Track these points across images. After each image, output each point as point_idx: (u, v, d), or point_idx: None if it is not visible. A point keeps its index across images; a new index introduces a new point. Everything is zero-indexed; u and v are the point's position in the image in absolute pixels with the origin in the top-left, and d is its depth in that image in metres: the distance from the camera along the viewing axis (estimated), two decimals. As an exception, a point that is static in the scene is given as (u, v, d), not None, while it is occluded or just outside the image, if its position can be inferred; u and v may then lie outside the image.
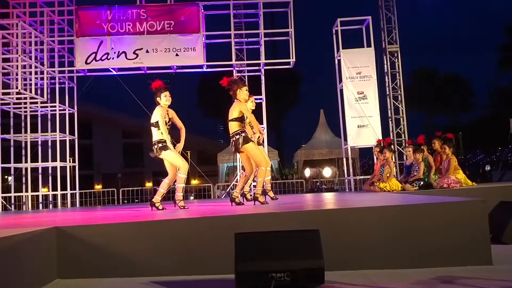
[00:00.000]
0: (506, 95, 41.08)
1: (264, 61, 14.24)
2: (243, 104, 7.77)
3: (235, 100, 7.84)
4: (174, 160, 7.73)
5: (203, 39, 13.63)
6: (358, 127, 14.23)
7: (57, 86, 13.78)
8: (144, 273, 5.09)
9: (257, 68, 14.83)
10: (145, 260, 5.16)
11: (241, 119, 7.61)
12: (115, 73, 14.08)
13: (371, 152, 14.48)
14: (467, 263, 5.18)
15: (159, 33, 13.55)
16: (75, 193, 14.83)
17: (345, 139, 14.67)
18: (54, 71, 13.69)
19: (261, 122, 14.61)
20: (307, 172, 20.63)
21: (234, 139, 7.58)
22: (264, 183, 8.59)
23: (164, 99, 7.73)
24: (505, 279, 4.58)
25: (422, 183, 10.43)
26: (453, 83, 45.07)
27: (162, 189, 7.97)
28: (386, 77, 15.95)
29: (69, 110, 14.16)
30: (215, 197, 17.79)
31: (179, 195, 7.89)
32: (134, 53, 13.47)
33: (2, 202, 13.75)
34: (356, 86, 14.26)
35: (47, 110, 14.02)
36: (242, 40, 14.87)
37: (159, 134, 7.67)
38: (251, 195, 8.37)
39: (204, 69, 14.18)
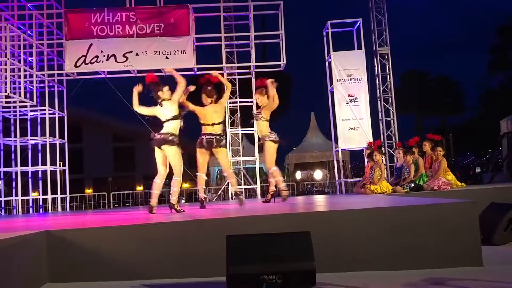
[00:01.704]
0: (497, 97, 41.25)
1: (255, 64, 14.22)
2: None
3: (219, 101, 7.90)
4: (176, 159, 7.49)
5: (193, 42, 13.60)
6: (349, 129, 14.24)
7: (46, 89, 13.71)
8: (135, 277, 5.08)
9: (247, 70, 14.80)
10: (136, 263, 5.14)
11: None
12: (104, 76, 14.02)
13: (362, 155, 14.50)
14: (458, 264, 5.19)
15: (149, 36, 13.50)
16: (66, 197, 14.73)
17: (336, 142, 14.68)
18: (43, 75, 13.61)
19: (251, 125, 14.64)
20: (298, 175, 20.67)
21: (219, 137, 7.58)
22: (277, 183, 8.67)
23: (163, 94, 7.51)
24: (496, 280, 4.59)
25: (412, 185, 10.45)
26: (443, 85, 45.24)
27: (156, 190, 7.68)
28: (377, 79, 15.96)
29: (58, 113, 14.11)
30: (206, 201, 17.73)
31: (174, 199, 7.60)
32: (123, 56, 13.41)
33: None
34: (346, 88, 14.28)
35: (37, 114, 13.96)
36: (233, 43, 14.85)
37: (172, 127, 7.50)
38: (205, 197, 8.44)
39: (195, 72, 14.13)
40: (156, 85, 7.53)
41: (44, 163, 13.70)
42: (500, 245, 6.80)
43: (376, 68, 16.03)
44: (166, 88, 7.53)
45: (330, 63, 14.63)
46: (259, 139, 8.98)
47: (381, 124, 15.92)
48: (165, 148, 7.39)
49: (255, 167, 15.02)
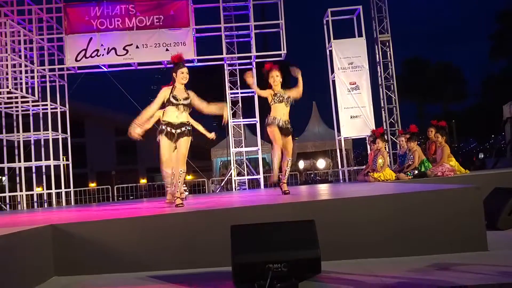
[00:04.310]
0: (498, 83, 41.16)
1: (255, 54, 14.21)
2: None
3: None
4: (186, 151, 7.06)
5: (193, 33, 13.59)
6: (351, 118, 14.20)
7: (47, 84, 13.71)
8: (140, 268, 5.09)
9: (248, 61, 14.78)
10: (141, 255, 5.16)
11: None
12: (105, 69, 14.02)
13: (364, 143, 14.49)
14: (462, 249, 5.19)
15: (149, 28, 13.50)
16: (70, 191, 14.77)
17: (338, 130, 14.65)
18: (44, 70, 13.62)
19: (253, 116, 14.63)
20: (301, 164, 20.68)
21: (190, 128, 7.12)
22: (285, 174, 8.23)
23: (180, 76, 7.04)
24: (501, 264, 4.59)
25: (416, 172, 10.43)
26: (445, 72, 45.19)
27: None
28: (378, 67, 15.92)
29: (60, 108, 14.12)
30: (210, 192, 17.79)
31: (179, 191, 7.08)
32: (124, 49, 13.43)
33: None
34: (348, 76, 14.24)
35: (39, 109, 13.96)
36: (233, 33, 14.81)
37: (185, 115, 7.06)
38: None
39: (195, 64, 14.13)
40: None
41: (47, 158, 13.72)
42: (504, 230, 6.80)
43: (377, 56, 15.98)
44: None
45: (331, 51, 14.58)
46: (285, 127, 8.01)
47: (383, 112, 15.89)
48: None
49: (258, 157, 15.01)
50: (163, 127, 7.01)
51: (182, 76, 7.06)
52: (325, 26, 14.85)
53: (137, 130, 7.07)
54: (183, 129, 6.99)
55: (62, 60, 13.84)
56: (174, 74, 7.10)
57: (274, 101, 8.02)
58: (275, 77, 8.10)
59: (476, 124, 42.71)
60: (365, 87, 14.24)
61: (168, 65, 14.09)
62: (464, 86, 47.69)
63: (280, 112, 8.00)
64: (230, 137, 15.32)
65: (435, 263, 4.76)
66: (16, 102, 13.53)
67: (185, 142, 7.00)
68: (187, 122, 7.06)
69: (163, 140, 7.06)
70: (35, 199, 14.33)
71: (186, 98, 7.02)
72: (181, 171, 6.95)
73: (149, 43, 13.46)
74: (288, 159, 8.10)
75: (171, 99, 6.95)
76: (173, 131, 6.98)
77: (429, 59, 48.44)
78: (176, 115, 6.98)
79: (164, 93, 7.03)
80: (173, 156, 7.30)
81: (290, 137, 8.08)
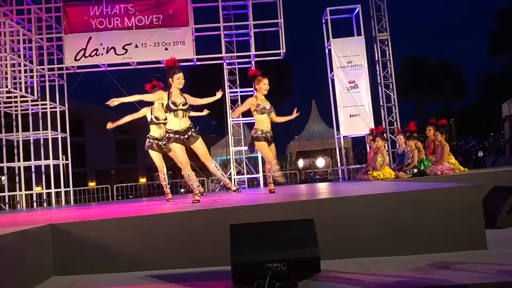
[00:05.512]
0: (497, 81, 41.17)
1: (254, 53, 14.21)
2: None
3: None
4: (206, 148, 7.46)
5: (192, 32, 13.58)
6: (350, 116, 14.22)
7: (47, 83, 13.71)
8: (140, 268, 5.09)
9: (247, 60, 14.78)
10: (141, 254, 5.15)
11: None
12: (104, 69, 14.02)
13: (364, 142, 14.49)
14: (462, 248, 5.19)
15: (148, 28, 13.50)
16: (69, 190, 14.77)
17: (338, 129, 14.66)
18: (43, 69, 13.62)
19: (252, 115, 14.60)
20: (301, 163, 20.71)
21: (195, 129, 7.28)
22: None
23: (177, 81, 7.10)
24: (500, 263, 4.59)
25: (415, 170, 10.43)
26: (444, 71, 45.16)
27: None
28: (377, 65, 15.92)
29: (60, 107, 14.12)
30: (209, 191, 17.78)
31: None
32: (123, 48, 13.43)
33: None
34: (347, 75, 14.25)
35: (38, 108, 13.96)
36: (232, 32, 14.82)
37: (186, 119, 7.21)
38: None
39: (194, 63, 14.13)
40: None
41: (46, 157, 13.71)
42: (503, 228, 6.81)
43: (376, 54, 15.98)
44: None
45: (330, 50, 14.59)
46: (271, 136, 8.20)
47: (382, 110, 15.90)
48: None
49: (257, 156, 15.02)
50: (171, 135, 7.10)
51: (178, 81, 7.12)
52: (324, 25, 14.87)
53: (115, 102, 7.13)
54: (189, 133, 7.11)
55: (61, 60, 13.85)
56: (170, 79, 7.15)
57: (257, 112, 8.08)
58: (267, 86, 8.19)
59: (475, 122, 42.71)
60: (364, 85, 14.26)
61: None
62: (463, 84, 47.67)
63: (265, 124, 8.14)
64: (229, 136, 15.33)
65: (434, 261, 4.76)
66: (16, 102, 13.52)
67: (200, 142, 7.26)
68: (191, 125, 7.19)
69: (176, 146, 7.12)
70: (34, 198, 14.33)
71: (184, 104, 7.09)
72: (213, 164, 7.46)
73: (148, 42, 13.46)
74: (274, 161, 8.22)
75: (170, 104, 7.01)
76: (182, 137, 7.07)
77: (428, 57, 48.36)
78: (179, 122, 7.07)
79: (160, 95, 7.19)
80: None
81: (273, 144, 8.28)
